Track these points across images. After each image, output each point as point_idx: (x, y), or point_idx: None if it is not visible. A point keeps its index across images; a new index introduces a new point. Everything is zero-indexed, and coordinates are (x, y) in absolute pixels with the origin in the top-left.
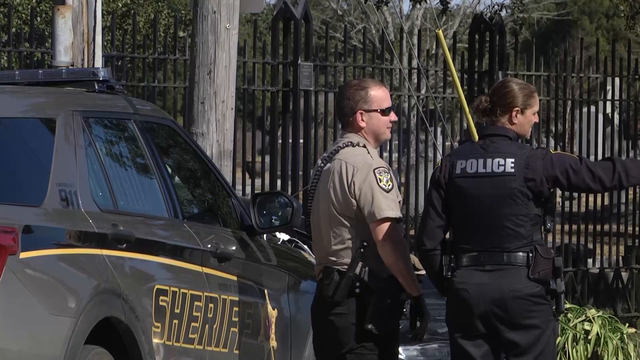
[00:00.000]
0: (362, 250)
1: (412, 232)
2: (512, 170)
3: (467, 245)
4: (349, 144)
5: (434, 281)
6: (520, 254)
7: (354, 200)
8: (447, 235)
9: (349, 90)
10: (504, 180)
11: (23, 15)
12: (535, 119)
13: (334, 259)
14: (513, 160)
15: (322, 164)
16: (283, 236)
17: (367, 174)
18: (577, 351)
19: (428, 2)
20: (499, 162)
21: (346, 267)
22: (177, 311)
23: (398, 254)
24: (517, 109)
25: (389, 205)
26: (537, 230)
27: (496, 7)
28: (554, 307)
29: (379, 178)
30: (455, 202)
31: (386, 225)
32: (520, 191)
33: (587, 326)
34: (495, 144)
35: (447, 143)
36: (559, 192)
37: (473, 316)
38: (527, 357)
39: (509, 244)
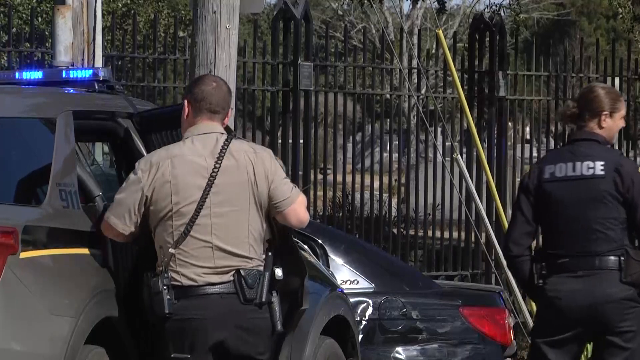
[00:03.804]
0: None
1: (412, 232)
2: (602, 172)
3: (558, 251)
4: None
5: (524, 287)
6: (612, 257)
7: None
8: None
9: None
10: (593, 183)
11: (23, 15)
12: (623, 123)
13: None
14: (603, 163)
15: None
16: None
17: None
18: None
19: (427, 1)
20: (588, 165)
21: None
22: None
23: None
24: (605, 113)
25: None
26: (626, 234)
27: (494, 7)
28: None
29: None
30: (545, 207)
31: None
32: (610, 194)
33: None
34: (583, 148)
35: (447, 143)
36: None
37: (566, 323)
38: (619, 358)
39: (599, 248)
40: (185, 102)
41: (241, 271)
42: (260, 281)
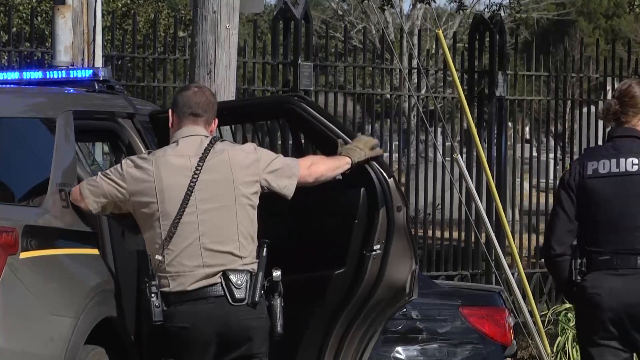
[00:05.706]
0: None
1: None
2: None
3: (598, 248)
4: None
5: (562, 287)
6: None
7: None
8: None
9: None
10: (638, 180)
11: (23, 14)
12: None
13: None
14: None
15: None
16: None
17: None
18: (577, 351)
19: (431, 2)
20: (632, 161)
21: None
22: None
23: None
24: None
25: None
26: None
27: (494, 7)
28: None
29: None
30: (586, 204)
31: None
32: None
33: None
34: (627, 145)
35: (447, 143)
36: None
37: (606, 321)
38: None
39: None
40: (170, 111)
41: (228, 272)
42: (252, 281)
